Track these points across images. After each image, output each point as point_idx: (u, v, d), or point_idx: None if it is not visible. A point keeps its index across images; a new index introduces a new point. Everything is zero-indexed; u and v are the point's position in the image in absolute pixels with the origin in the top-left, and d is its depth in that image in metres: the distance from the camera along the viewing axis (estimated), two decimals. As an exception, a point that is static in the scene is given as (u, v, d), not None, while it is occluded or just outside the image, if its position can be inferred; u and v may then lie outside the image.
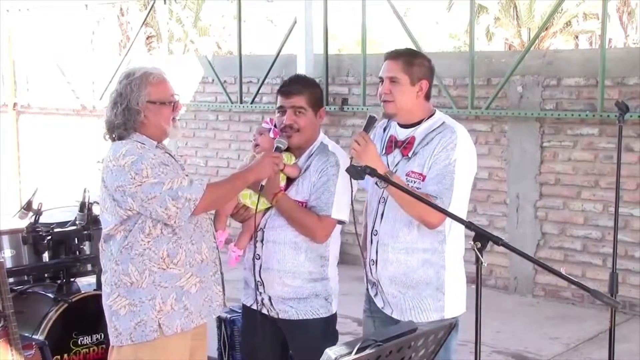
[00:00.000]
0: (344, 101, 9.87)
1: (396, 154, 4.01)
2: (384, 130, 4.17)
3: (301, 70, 9.62)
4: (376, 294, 4.13)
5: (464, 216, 3.86)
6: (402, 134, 4.03)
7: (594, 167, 8.02)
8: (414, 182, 3.89)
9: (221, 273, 4.08)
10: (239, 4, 11.00)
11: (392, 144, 4.04)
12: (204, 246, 3.94)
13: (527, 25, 23.39)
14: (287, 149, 4.13)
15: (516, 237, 8.42)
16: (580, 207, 8.14)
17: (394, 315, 4.04)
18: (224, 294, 4.09)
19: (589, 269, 8.10)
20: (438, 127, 3.96)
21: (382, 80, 4.02)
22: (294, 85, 4.17)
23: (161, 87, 3.88)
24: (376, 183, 3.85)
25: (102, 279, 3.97)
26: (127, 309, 3.84)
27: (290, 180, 4.13)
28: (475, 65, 8.63)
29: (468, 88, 8.66)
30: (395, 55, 4.02)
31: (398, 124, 4.07)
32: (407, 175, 3.92)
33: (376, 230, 4.07)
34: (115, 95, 3.86)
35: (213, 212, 4.11)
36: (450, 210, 3.70)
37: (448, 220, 3.86)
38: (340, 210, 4.05)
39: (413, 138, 3.97)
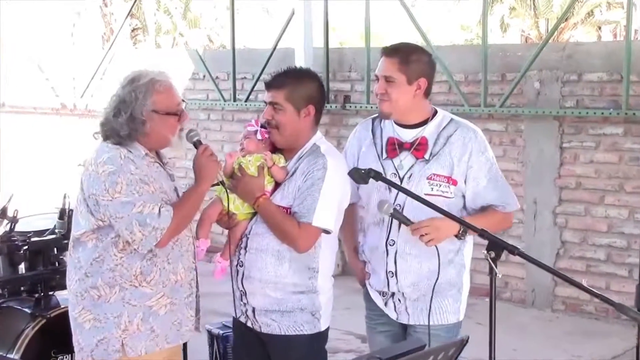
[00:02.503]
0: (346, 99, 9.88)
1: (405, 156, 4.05)
2: (373, 133, 4.22)
3: (300, 65, 9.57)
4: (387, 304, 4.17)
5: None
6: (406, 135, 4.08)
7: (618, 169, 8.02)
8: (440, 185, 4.00)
9: (197, 295, 4.10)
10: (232, -7, 11.02)
11: (396, 147, 4.07)
12: (181, 266, 3.97)
13: (545, 15, 23.42)
14: (276, 150, 4.14)
15: (533, 245, 8.41)
16: (604, 213, 8.14)
17: (411, 322, 4.13)
18: (198, 318, 4.12)
19: (613, 281, 8.09)
20: (447, 125, 4.07)
21: (376, 77, 4.12)
22: (278, 78, 4.18)
23: (167, 95, 3.90)
24: (458, 238, 3.96)
25: (67, 284, 4.00)
26: (91, 324, 3.88)
27: (277, 185, 4.13)
28: (488, 60, 8.62)
29: (481, 84, 8.66)
30: (390, 52, 4.08)
31: (397, 124, 4.10)
32: (429, 178, 4.01)
33: (392, 240, 4.11)
34: (117, 101, 3.87)
35: (194, 229, 4.13)
36: (517, 206, 4.19)
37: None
38: (323, 217, 4.01)
39: (425, 139, 4.04)
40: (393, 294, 4.13)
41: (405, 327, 4.20)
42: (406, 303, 4.12)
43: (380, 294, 4.19)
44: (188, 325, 4.06)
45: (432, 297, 4.05)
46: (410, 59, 4.02)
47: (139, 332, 3.87)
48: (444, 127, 4.05)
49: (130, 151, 3.83)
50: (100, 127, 3.92)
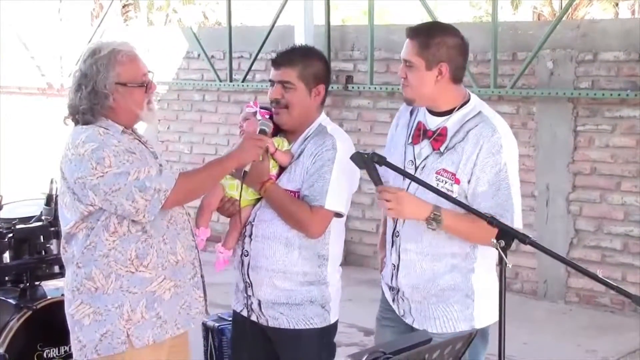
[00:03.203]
0: (348, 79, 9.86)
1: (424, 145, 3.98)
2: (411, 113, 4.15)
3: (300, 43, 9.58)
4: (394, 300, 4.14)
5: (521, 226, 3.90)
6: (432, 122, 4.01)
7: (635, 154, 8.02)
8: (445, 183, 3.88)
9: (201, 276, 4.07)
10: (228, -33, 11.01)
11: (421, 133, 4.02)
12: (179, 245, 3.94)
13: (559, -9, 23.37)
14: (279, 131, 4.12)
15: (546, 234, 8.43)
16: (620, 201, 8.15)
17: (416, 325, 4.06)
18: (206, 299, 4.09)
19: (630, 272, 8.11)
20: (473, 117, 3.93)
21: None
22: (287, 55, 4.18)
23: (131, 66, 3.87)
24: (427, 225, 3.83)
25: (64, 283, 3.98)
26: (91, 318, 3.85)
27: (282, 169, 4.12)
28: (498, 38, 8.62)
29: (491, 64, 8.66)
30: (412, 34, 3.98)
31: (428, 110, 4.05)
32: (437, 173, 3.91)
33: (398, 232, 4.06)
34: (79, 75, 3.85)
35: (191, 206, 4.07)
36: (515, 225, 3.76)
37: None
38: (336, 200, 4.02)
39: (445, 129, 3.95)
40: (398, 291, 4.11)
41: (412, 328, 4.17)
42: (410, 304, 4.06)
43: (389, 289, 4.18)
44: (198, 308, 4.03)
45: (431, 300, 3.99)
46: (432, 42, 3.90)
47: (144, 320, 3.85)
48: (468, 120, 3.92)
49: (107, 129, 3.80)
50: (68, 110, 3.90)
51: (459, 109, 3.97)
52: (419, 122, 4.05)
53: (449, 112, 3.97)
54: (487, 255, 3.98)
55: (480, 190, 3.85)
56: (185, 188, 3.80)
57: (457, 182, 3.87)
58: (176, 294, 3.93)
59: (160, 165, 3.86)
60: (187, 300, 3.98)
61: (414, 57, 3.92)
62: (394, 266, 4.07)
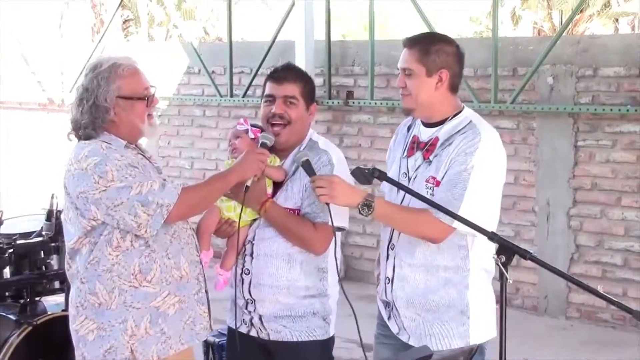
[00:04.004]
0: (349, 94, 9.88)
1: (417, 156, 4.01)
2: (408, 129, 4.19)
3: (300, 58, 9.63)
4: (390, 317, 4.14)
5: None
6: (425, 134, 4.04)
7: (636, 169, 8.02)
8: (431, 189, 3.91)
9: (206, 291, 4.06)
10: (229, -17, 11.03)
11: (415, 146, 4.05)
12: (183, 260, 3.93)
13: (559, 7, 23.37)
14: (270, 149, 4.13)
15: (546, 249, 8.42)
16: (621, 216, 8.14)
17: (411, 342, 4.04)
18: (210, 315, 4.08)
19: (631, 287, 8.10)
20: (464, 127, 3.95)
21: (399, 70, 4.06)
22: (288, 71, 4.21)
23: (132, 79, 3.88)
24: (359, 212, 3.84)
25: (69, 300, 3.98)
26: (95, 334, 3.84)
27: (276, 187, 4.13)
28: (499, 53, 8.63)
29: (491, 79, 8.67)
30: (410, 43, 4.02)
31: (422, 122, 4.07)
32: (426, 182, 3.93)
33: (393, 244, 4.07)
34: (81, 90, 3.86)
35: (194, 221, 4.08)
36: (455, 224, 3.76)
37: (470, 233, 3.83)
38: (338, 215, 4.01)
39: (436, 139, 3.98)
40: (392, 307, 4.10)
41: (408, 346, 4.16)
42: (404, 321, 4.05)
43: (384, 305, 4.18)
44: (202, 323, 4.00)
45: (426, 317, 3.99)
46: (431, 49, 3.95)
47: (147, 335, 3.84)
48: (459, 130, 3.94)
49: (110, 143, 3.82)
50: (70, 125, 3.91)
51: (451, 119, 3.99)
52: (414, 136, 4.09)
53: (441, 123, 3.99)
54: (481, 269, 3.98)
55: (443, 182, 3.87)
56: (187, 203, 3.80)
57: (437, 184, 3.89)
58: (180, 310, 3.92)
59: (164, 180, 3.86)
60: (191, 316, 3.96)
61: (414, 64, 3.96)
62: (389, 279, 4.07)
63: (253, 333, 4.18)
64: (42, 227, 5.61)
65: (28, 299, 5.36)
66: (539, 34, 23.24)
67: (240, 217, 4.03)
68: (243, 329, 4.21)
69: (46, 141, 12.67)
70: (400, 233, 4.01)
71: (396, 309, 4.07)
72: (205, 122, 11.25)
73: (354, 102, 9.81)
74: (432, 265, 3.97)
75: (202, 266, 4.07)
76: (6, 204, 5.67)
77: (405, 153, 4.07)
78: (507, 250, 3.29)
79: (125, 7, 22.37)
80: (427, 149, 3.98)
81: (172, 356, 3.92)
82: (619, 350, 7.52)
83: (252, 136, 4.13)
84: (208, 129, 11.21)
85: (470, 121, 3.97)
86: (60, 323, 5.09)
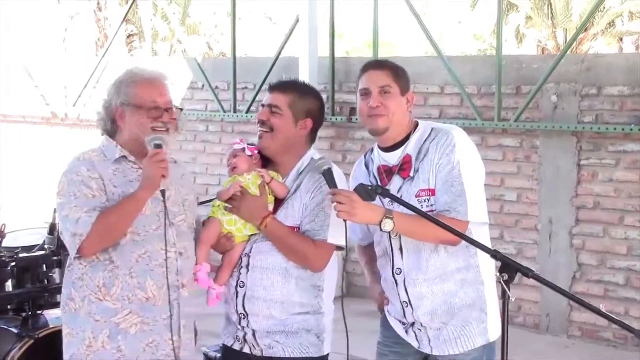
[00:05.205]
0: (352, 111, 9.88)
1: (395, 180, 4.09)
2: (366, 166, 4.27)
3: (304, 74, 9.63)
4: (407, 332, 4.19)
5: (485, 220, 4.07)
6: (391, 158, 4.14)
7: (639, 188, 8.02)
8: (427, 200, 3.99)
9: (179, 320, 3.95)
10: (234, -2, 11.06)
11: (387, 172, 4.13)
12: (150, 283, 3.87)
13: (564, 25, 23.40)
14: (267, 163, 4.14)
15: (548, 268, 8.42)
16: (623, 235, 8.15)
17: (435, 352, 4.11)
18: (179, 344, 3.95)
19: (632, 306, 8.09)
20: (429, 135, 4.07)
21: (364, 93, 4.10)
22: (283, 83, 4.26)
23: (143, 90, 3.92)
24: (380, 228, 3.88)
25: None
26: (67, 339, 3.94)
27: (277, 204, 4.14)
28: (503, 71, 8.65)
29: (494, 97, 8.68)
30: (378, 65, 4.16)
31: (380, 149, 4.14)
32: (416, 196, 4.01)
33: (399, 269, 4.12)
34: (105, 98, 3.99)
35: (175, 242, 3.96)
36: (469, 217, 3.90)
37: (470, 228, 3.95)
38: (338, 233, 4.04)
39: (408, 156, 4.08)
40: (413, 324, 4.14)
41: (426, 356, 4.19)
42: (428, 333, 4.11)
43: (400, 322, 4.20)
44: (165, 350, 3.92)
45: (449, 323, 4.06)
46: (399, 72, 4.11)
47: (103, 350, 3.85)
48: (426, 138, 4.06)
49: (105, 154, 3.90)
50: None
51: (413, 133, 4.11)
52: (379, 166, 4.17)
53: (401, 143, 4.10)
54: (487, 263, 4.05)
55: (437, 188, 3.97)
56: (98, 232, 3.73)
57: (432, 192, 3.98)
58: (142, 331, 3.88)
59: (103, 206, 3.78)
60: (155, 340, 3.91)
61: (391, 82, 4.05)
62: (406, 303, 4.10)
63: (246, 350, 4.18)
64: (44, 241, 5.62)
65: (30, 312, 5.36)
66: (542, 52, 23.27)
67: (238, 233, 4.08)
68: (236, 346, 4.20)
69: (49, 155, 12.68)
70: (403, 255, 4.07)
71: (420, 325, 4.12)
72: (209, 137, 11.27)
73: (357, 119, 9.80)
74: (446, 272, 4.04)
75: (179, 293, 3.95)
76: (9, 217, 5.66)
77: (379, 184, 4.10)
78: (509, 268, 3.31)
79: (130, 22, 22.42)
80: (401, 168, 4.07)
81: None
82: (621, 369, 7.51)
83: (250, 154, 4.16)
84: (211, 144, 11.22)
85: (432, 128, 4.11)
86: (62, 336, 5.10)
